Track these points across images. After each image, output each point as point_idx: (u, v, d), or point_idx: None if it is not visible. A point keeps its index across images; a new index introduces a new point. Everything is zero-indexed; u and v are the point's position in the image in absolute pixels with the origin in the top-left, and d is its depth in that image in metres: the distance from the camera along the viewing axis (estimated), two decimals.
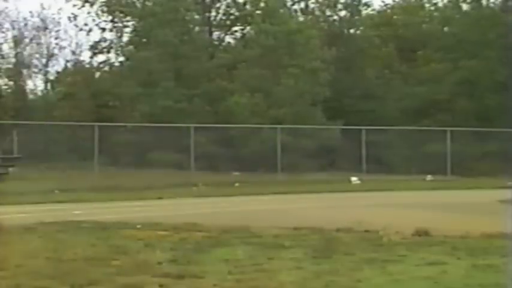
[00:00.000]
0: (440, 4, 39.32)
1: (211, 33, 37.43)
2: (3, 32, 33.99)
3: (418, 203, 16.50)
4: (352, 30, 38.11)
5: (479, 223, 11.25)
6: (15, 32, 34.17)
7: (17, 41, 34.20)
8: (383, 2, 40.76)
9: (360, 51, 35.45)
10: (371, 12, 39.34)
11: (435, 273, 7.26)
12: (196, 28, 34.91)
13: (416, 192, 20.78)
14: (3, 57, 34.13)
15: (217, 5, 37.73)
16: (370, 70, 34.98)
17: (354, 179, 25.07)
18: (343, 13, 37.96)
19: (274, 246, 9.13)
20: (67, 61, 35.64)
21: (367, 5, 38.78)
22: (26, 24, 34.27)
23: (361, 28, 38.18)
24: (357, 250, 8.69)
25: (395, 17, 39.31)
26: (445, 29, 36.37)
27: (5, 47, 34.21)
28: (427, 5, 40.10)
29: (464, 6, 36.28)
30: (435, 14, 38.46)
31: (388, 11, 40.07)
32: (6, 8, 34.09)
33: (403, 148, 28.84)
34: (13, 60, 34.38)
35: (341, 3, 37.82)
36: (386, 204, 16.43)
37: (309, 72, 30.14)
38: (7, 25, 33.96)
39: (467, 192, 19.87)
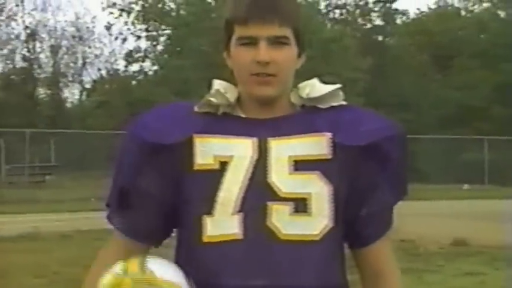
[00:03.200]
0: (476, 10, 39.03)
1: None
2: (40, 42, 34.57)
3: (455, 212, 16.28)
4: (387, 39, 37.97)
5: None
6: (52, 42, 34.71)
7: (54, 51, 34.72)
8: (418, 9, 40.66)
9: (395, 59, 35.25)
10: (406, 20, 39.20)
11: (473, 283, 7.16)
12: None
13: (452, 201, 20.51)
14: (40, 67, 34.71)
15: None
16: (406, 78, 34.75)
17: None
18: (376, 21, 37.89)
19: None
20: (101, 70, 36.09)
21: (401, 13, 38.67)
22: (62, 34, 34.81)
23: (396, 36, 38.02)
24: None
25: (432, 21, 39.06)
26: (481, 35, 36.01)
27: (42, 56, 34.79)
28: (462, 12, 39.79)
29: (500, 12, 35.94)
30: (471, 20, 38.14)
31: (423, 18, 39.84)
32: (44, 17, 34.58)
33: (439, 157, 28.52)
34: (50, 69, 34.93)
35: (375, 12, 37.72)
36: (422, 214, 16.23)
37: (346, 81, 30.02)
38: (44, 35, 34.53)
39: (505, 201, 19.52)
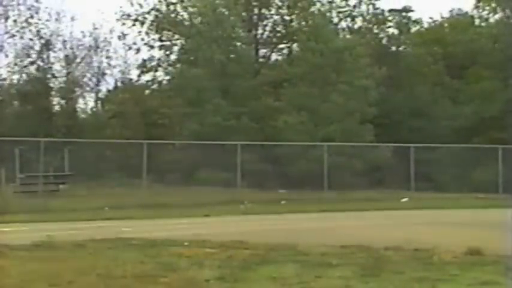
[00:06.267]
0: (490, 20, 38.83)
1: (257, 51, 37.63)
2: (55, 52, 34.72)
3: (469, 221, 16.19)
4: (400, 48, 37.86)
5: None
6: (67, 52, 34.84)
7: (69, 60, 34.85)
8: (431, 19, 40.46)
9: (409, 68, 35.15)
10: (420, 30, 39.05)
11: None
12: (243, 46, 35.12)
13: (466, 210, 20.41)
14: (54, 77, 34.86)
15: (264, 22, 37.97)
16: (420, 88, 34.61)
17: (402, 197, 24.81)
18: (391, 30, 37.79)
19: (321, 264, 9.05)
20: (117, 80, 36.17)
21: (416, 22, 38.52)
22: (78, 44, 34.94)
23: (410, 45, 37.90)
24: (406, 269, 8.56)
25: (446, 30, 38.90)
26: (496, 45, 35.84)
27: (57, 66, 34.92)
28: (477, 22, 39.60)
29: None
30: (485, 30, 37.93)
31: (437, 28, 39.69)
32: (58, 28, 34.69)
33: (453, 166, 28.38)
34: (64, 79, 35.05)
35: (389, 21, 37.63)
36: (436, 223, 16.17)
37: (358, 90, 29.95)
38: (59, 45, 34.66)
39: None
